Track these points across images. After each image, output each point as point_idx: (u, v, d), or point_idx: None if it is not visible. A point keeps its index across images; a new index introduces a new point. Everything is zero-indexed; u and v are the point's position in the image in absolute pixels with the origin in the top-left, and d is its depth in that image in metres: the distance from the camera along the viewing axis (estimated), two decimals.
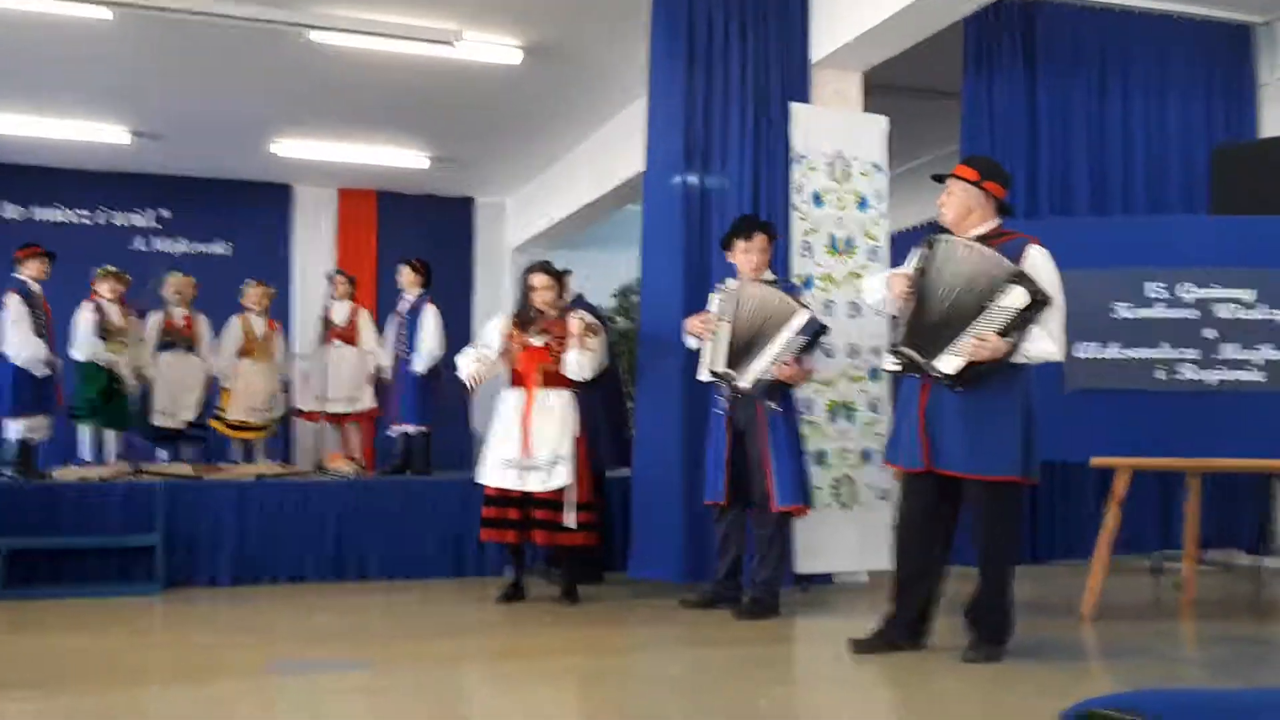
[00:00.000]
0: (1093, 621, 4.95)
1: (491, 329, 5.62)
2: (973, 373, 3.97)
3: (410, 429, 7.71)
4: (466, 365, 5.46)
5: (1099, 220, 6.25)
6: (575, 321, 5.42)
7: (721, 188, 5.95)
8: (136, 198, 10.55)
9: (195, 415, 7.93)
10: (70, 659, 4.23)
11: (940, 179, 4.28)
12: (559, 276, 5.74)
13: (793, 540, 5.55)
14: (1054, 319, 4.01)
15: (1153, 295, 5.33)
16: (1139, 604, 5.70)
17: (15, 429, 6.98)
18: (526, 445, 5.32)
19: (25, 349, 6.85)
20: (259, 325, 8.19)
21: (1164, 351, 5.27)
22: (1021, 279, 3.96)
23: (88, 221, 10.43)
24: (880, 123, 6.26)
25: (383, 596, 5.93)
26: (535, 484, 5.30)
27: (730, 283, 5.20)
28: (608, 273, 6.68)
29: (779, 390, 5.06)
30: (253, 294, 8.22)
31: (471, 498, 6.60)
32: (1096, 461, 5.09)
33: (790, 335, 4.98)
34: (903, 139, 6.95)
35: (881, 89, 6.77)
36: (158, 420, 7.77)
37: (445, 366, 7.79)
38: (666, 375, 5.73)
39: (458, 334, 8.19)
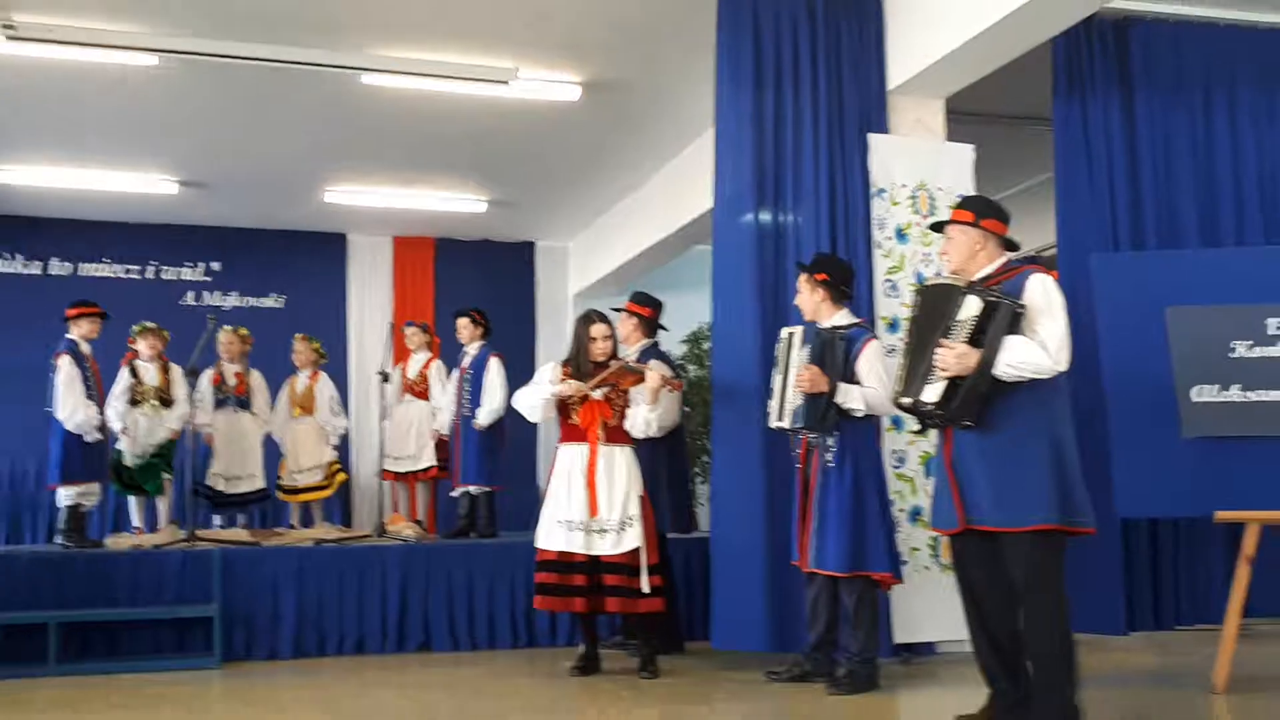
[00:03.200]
0: (1227, 694, 4.72)
1: (545, 377, 5.47)
2: (964, 401, 3.87)
3: (474, 489, 7.70)
4: (538, 393, 5.34)
5: (1211, 252, 6.06)
6: (655, 375, 5.29)
7: (796, 224, 5.90)
8: (186, 251, 10.76)
9: (261, 483, 8.03)
10: None
11: (939, 228, 4.28)
12: (650, 316, 5.82)
13: (886, 606, 5.43)
14: (1048, 330, 3.87)
15: (1276, 332, 5.14)
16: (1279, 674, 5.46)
17: (66, 496, 7.09)
18: (593, 506, 5.25)
19: (76, 413, 6.96)
20: (303, 381, 8.29)
21: None
22: (974, 288, 3.94)
23: (136, 276, 10.66)
24: (966, 152, 6.17)
25: (448, 670, 5.89)
26: (605, 547, 5.22)
27: (784, 331, 5.14)
28: (677, 318, 6.63)
29: (830, 420, 4.86)
30: (298, 349, 8.34)
31: None
32: (1222, 516, 4.89)
33: (797, 352, 4.95)
34: (992, 168, 6.85)
35: (966, 116, 6.69)
36: (217, 484, 7.85)
37: (511, 423, 7.81)
38: (744, 426, 5.63)
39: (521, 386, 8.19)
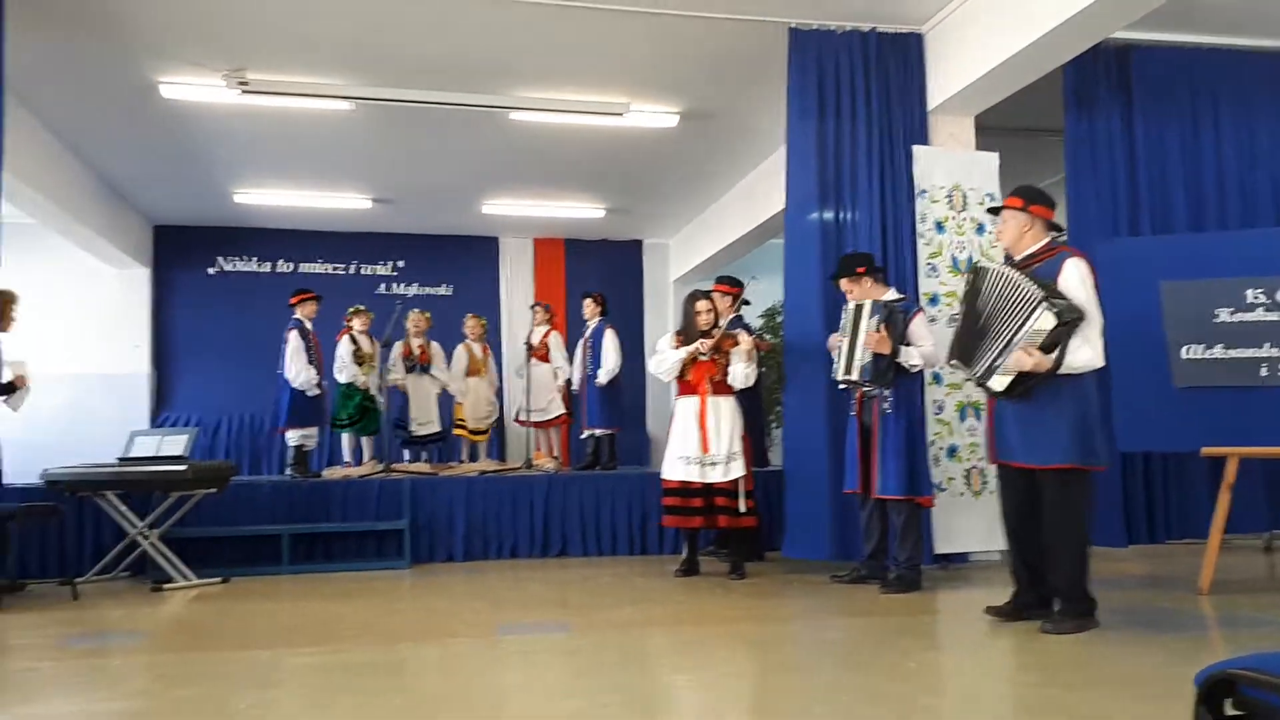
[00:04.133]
0: (1210, 595, 4.56)
1: (667, 345, 5.52)
2: (1023, 387, 3.80)
3: (598, 431, 7.73)
4: (670, 358, 5.37)
5: (1199, 235, 5.78)
6: (747, 339, 5.28)
7: (853, 221, 5.79)
8: (377, 252, 10.94)
9: (438, 427, 8.10)
10: (341, 621, 4.37)
11: (995, 211, 4.11)
12: (736, 293, 5.70)
13: (928, 524, 5.34)
14: (1091, 328, 3.76)
15: (1253, 300, 4.89)
16: (1253, 578, 5.21)
17: (293, 437, 7.33)
18: (705, 444, 5.24)
19: (301, 375, 7.20)
20: (477, 350, 8.35)
21: (1266, 350, 4.83)
22: (1048, 302, 3.74)
23: (341, 272, 10.88)
24: (992, 159, 5.97)
25: (580, 570, 5.95)
26: (716, 476, 5.21)
27: (850, 305, 5.04)
28: (755, 297, 6.58)
29: (889, 376, 4.78)
30: (470, 325, 8.40)
31: (650, 488, 6.63)
32: (1207, 451, 4.69)
33: (866, 321, 4.85)
34: (1012, 172, 6.61)
35: (991, 130, 6.47)
36: (414, 428, 7.96)
37: (625, 379, 7.85)
38: (810, 380, 5.61)
39: (632, 353, 8.23)
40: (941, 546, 5.54)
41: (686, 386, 5.41)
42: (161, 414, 10.21)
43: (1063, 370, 3.74)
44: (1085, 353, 3.74)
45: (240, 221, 10.36)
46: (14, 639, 4.15)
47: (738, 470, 5.21)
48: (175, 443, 5.64)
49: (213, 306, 10.45)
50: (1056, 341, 3.72)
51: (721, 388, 5.35)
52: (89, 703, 3.05)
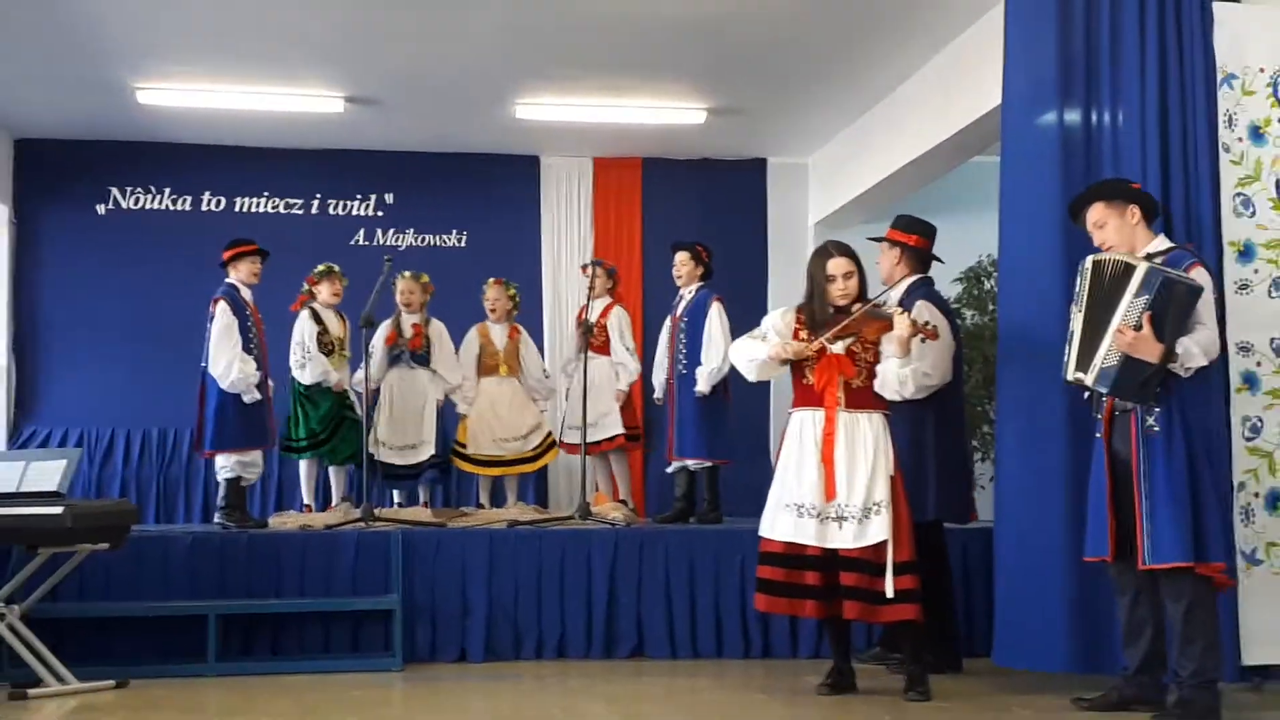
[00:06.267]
0: None
1: (771, 326, 5.48)
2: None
3: (693, 464, 7.71)
4: (753, 350, 5.40)
5: None
6: (903, 319, 5.16)
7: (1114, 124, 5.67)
8: (354, 181, 11.03)
9: (435, 450, 8.12)
10: None
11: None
12: (918, 244, 5.91)
13: (1230, 616, 5.21)
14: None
15: None
16: None
17: (225, 467, 7.42)
18: (829, 487, 5.18)
19: (232, 368, 7.24)
20: (499, 334, 8.38)
21: None
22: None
23: (299, 212, 10.99)
24: None
25: (665, 680, 5.97)
26: (844, 540, 5.15)
27: (1086, 260, 4.94)
28: (947, 250, 6.42)
29: (1152, 387, 4.67)
30: (491, 295, 8.41)
31: None
32: None
33: (1129, 299, 4.70)
34: None
35: None
36: (383, 454, 7.96)
37: (736, 382, 7.74)
38: (1038, 388, 5.52)
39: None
40: (1255, 653, 5.39)
41: (807, 394, 5.34)
42: (24, 427, 10.47)
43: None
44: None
45: (146, 134, 10.54)
46: None
47: (878, 531, 5.13)
48: (46, 472, 5.76)
49: (104, 263, 10.64)
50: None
51: (864, 398, 5.28)
52: None
